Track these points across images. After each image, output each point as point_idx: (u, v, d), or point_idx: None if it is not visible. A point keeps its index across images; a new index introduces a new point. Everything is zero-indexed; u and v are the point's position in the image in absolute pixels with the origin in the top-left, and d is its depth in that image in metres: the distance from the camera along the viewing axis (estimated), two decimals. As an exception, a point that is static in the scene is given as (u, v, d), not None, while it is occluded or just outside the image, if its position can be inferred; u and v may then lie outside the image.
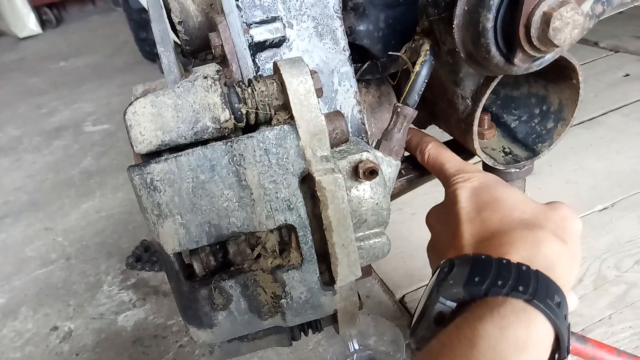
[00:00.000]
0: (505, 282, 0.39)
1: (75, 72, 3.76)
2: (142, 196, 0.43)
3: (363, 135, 0.59)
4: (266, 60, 0.55)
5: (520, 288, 0.39)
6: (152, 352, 1.31)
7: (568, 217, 0.49)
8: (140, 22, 3.10)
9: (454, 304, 0.41)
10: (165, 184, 0.42)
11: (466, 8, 0.46)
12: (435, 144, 0.56)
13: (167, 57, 0.49)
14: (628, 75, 2.04)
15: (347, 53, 0.57)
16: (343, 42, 0.57)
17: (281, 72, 0.43)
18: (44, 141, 2.68)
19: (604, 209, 1.40)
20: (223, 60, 0.52)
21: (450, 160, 0.53)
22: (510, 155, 0.63)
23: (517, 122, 0.66)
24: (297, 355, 1.17)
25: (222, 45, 0.50)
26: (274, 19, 0.53)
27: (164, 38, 0.50)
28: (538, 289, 0.39)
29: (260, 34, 0.52)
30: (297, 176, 0.44)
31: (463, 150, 0.65)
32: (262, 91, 0.44)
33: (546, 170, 1.56)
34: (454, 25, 0.47)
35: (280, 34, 0.53)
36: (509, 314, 0.38)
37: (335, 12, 0.56)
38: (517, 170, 0.62)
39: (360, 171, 0.45)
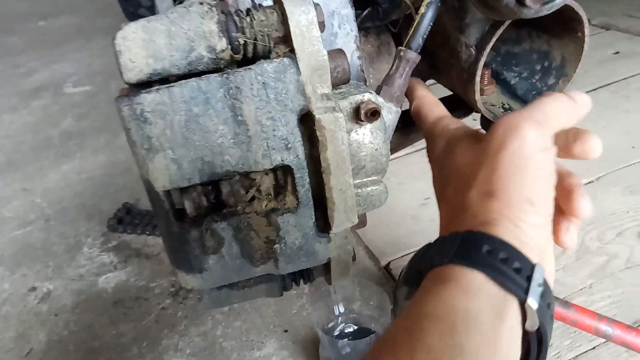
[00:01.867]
0: (445, 249, 0.37)
1: (55, 32, 3.62)
2: (132, 129, 0.40)
3: (362, 82, 0.57)
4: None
5: (459, 253, 0.36)
6: (133, 313, 1.29)
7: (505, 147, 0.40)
8: (123, -19, 2.98)
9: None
10: (156, 116, 0.40)
11: (479, -57, 0.43)
12: (423, 91, 0.53)
13: (161, -14, 0.45)
14: (618, 53, 2.05)
15: (349, -5, 0.55)
16: (345, -18, 0.54)
17: (282, 1, 0.41)
18: (22, 101, 2.59)
19: (589, 182, 1.42)
20: None
21: (432, 109, 0.51)
22: (510, 111, 0.62)
23: (518, 78, 0.64)
24: (282, 319, 1.17)
25: (218, -22, 0.47)
26: (272, -47, 0.50)
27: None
28: (469, 249, 0.35)
29: (259, -33, 0.49)
30: (296, 113, 0.41)
31: (462, 105, 0.64)
32: (262, 21, 0.41)
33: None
34: (464, -37, 0.44)
35: (279, -31, 0.50)
36: (449, 282, 0.35)
37: (338, -50, 0.53)
38: (517, 126, 0.61)
39: (362, 112, 0.43)
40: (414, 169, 1.56)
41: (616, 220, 1.27)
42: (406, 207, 1.43)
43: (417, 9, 0.55)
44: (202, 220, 0.43)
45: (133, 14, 3.28)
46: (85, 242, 1.57)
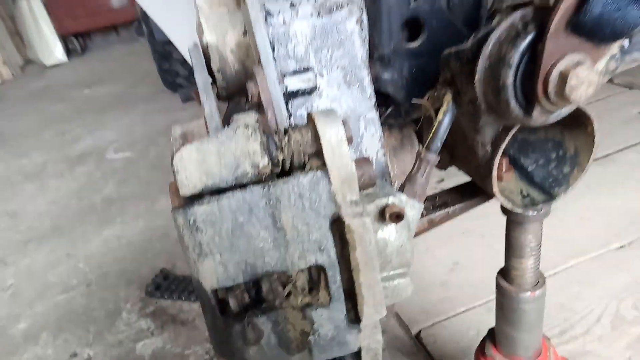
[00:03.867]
0: None
1: (98, 100, 3.89)
2: (185, 236, 0.46)
3: (387, 177, 0.62)
4: (298, 106, 0.59)
5: None
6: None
7: None
8: (163, 54, 3.22)
9: None
10: (207, 225, 0.45)
11: (488, 64, 0.49)
12: None
13: (209, 105, 0.53)
14: (643, 112, 2.06)
15: (374, 100, 0.61)
16: (370, 90, 0.60)
17: (315, 122, 0.47)
18: (67, 168, 2.76)
19: (621, 247, 1.40)
20: (259, 107, 0.56)
21: None
22: (528, 198, 0.65)
23: (535, 165, 0.68)
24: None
25: (259, 94, 0.54)
26: (306, 70, 0.57)
27: (206, 87, 0.54)
28: None
29: (294, 83, 0.56)
30: (328, 219, 0.47)
31: (482, 192, 0.68)
32: (298, 140, 0.47)
33: (560, 206, 1.57)
34: (475, 80, 0.50)
35: (312, 83, 0.57)
36: None
37: (363, 63, 0.60)
38: (535, 213, 0.65)
39: (387, 215, 0.48)
40: (441, 233, 1.58)
41: (651, 287, 1.25)
42: (435, 273, 1.44)
43: (435, 111, 0.61)
44: (244, 315, 0.48)
45: (171, 84, 3.50)
46: (124, 307, 1.63)
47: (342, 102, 0.60)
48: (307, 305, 0.48)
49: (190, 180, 0.46)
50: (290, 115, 0.58)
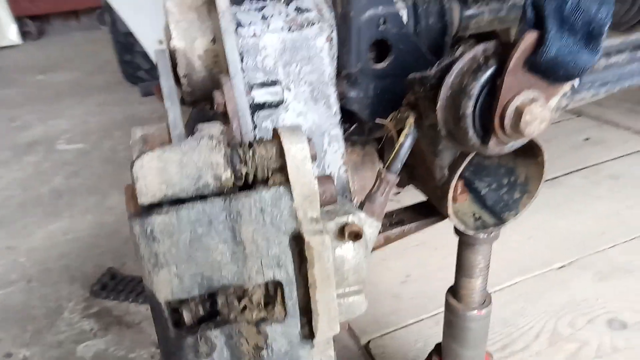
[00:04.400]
0: None
1: (53, 87, 3.72)
2: (141, 245, 0.45)
3: (347, 193, 0.63)
4: (264, 118, 0.59)
5: None
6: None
7: None
8: (126, 45, 3.13)
9: None
10: (164, 235, 0.45)
11: (450, 93, 0.51)
12: None
13: (174, 112, 0.52)
14: (588, 139, 2.18)
15: (339, 117, 0.62)
16: (335, 106, 0.61)
17: (281, 138, 0.47)
18: (14, 156, 2.63)
19: (562, 267, 1.48)
20: (224, 116, 0.56)
21: None
22: (480, 221, 0.68)
23: (487, 189, 0.71)
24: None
25: (224, 104, 0.54)
26: (274, 83, 0.57)
27: (171, 93, 0.53)
28: None
29: (261, 95, 0.56)
30: (288, 235, 0.47)
31: (437, 212, 0.70)
32: (262, 155, 0.47)
33: (508, 225, 1.64)
34: (437, 107, 0.52)
35: (279, 97, 0.57)
36: None
37: (330, 80, 0.61)
38: (486, 236, 0.68)
39: (346, 233, 0.49)
40: (395, 245, 1.61)
41: (587, 306, 1.32)
42: (388, 284, 1.47)
43: (397, 132, 0.62)
44: (197, 328, 0.47)
45: (132, 76, 3.41)
46: (66, 306, 1.57)
47: (307, 117, 0.61)
48: (262, 320, 0.49)
49: (150, 189, 0.45)
50: (255, 127, 0.58)
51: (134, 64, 3.31)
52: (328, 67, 0.61)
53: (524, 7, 0.46)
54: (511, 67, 0.46)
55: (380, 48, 0.63)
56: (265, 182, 0.48)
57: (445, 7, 0.68)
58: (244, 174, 0.47)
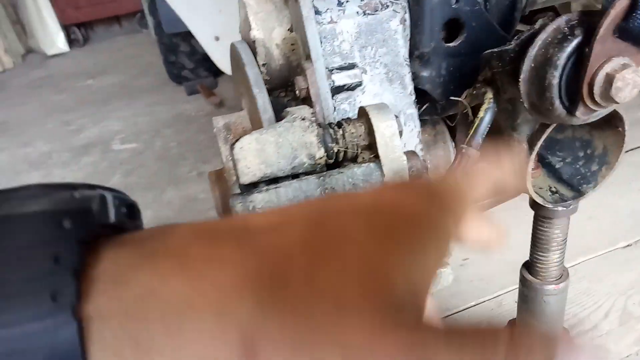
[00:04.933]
0: None
1: (102, 90, 3.88)
2: (243, 222, 0.48)
3: (424, 170, 0.64)
4: (342, 101, 0.61)
5: None
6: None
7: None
8: (170, 46, 3.22)
9: None
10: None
11: (533, 65, 0.51)
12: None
13: (262, 97, 0.55)
14: (648, 115, 2.09)
15: (413, 97, 0.63)
16: (410, 87, 0.63)
17: (370, 116, 0.49)
18: (72, 157, 2.76)
19: (627, 245, 1.44)
20: (305, 101, 0.58)
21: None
22: (557, 194, 0.68)
23: (562, 163, 0.71)
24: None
25: (307, 88, 0.56)
26: (352, 66, 0.59)
27: (258, 80, 0.56)
28: None
29: (341, 79, 0.58)
30: (381, 209, 0.49)
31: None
32: (352, 133, 0.49)
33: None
34: (520, 79, 0.52)
35: (357, 79, 0.59)
36: None
37: (405, 60, 0.62)
38: (564, 208, 0.67)
39: (435, 207, 0.51)
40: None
41: (657, 285, 1.28)
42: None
43: (473, 109, 0.63)
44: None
45: (177, 76, 3.50)
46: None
47: (383, 98, 0.62)
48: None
49: (251, 169, 0.48)
50: (334, 109, 0.60)
51: (178, 64, 3.40)
52: (402, 48, 0.62)
53: (613, -28, 0.46)
54: (601, 34, 0.46)
55: (452, 26, 0.64)
56: (354, 159, 0.50)
57: (514, -19, 0.68)
58: (335, 151, 0.49)
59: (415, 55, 0.64)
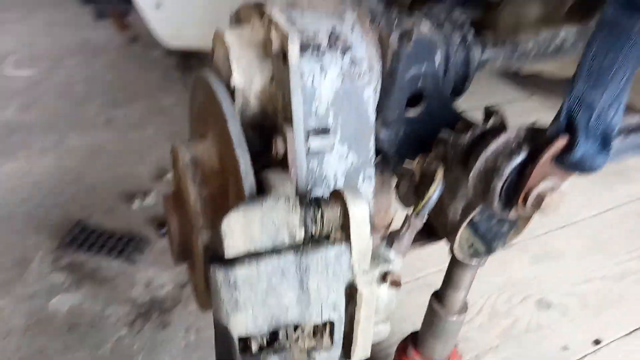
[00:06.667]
0: None
1: (-14, -6, 3.33)
2: (222, 291, 0.52)
3: (372, 221, 0.72)
4: (310, 159, 0.65)
5: None
6: (88, 340, 1.34)
7: None
8: (78, -38, 2.85)
9: None
10: (245, 285, 0.52)
11: (482, 168, 0.60)
12: None
13: (245, 161, 0.57)
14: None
15: (373, 158, 0.69)
16: (372, 149, 0.68)
17: (346, 202, 0.54)
18: (-50, 78, 2.40)
19: (502, 249, 1.69)
20: (280, 162, 0.61)
21: None
22: (473, 248, 0.80)
23: (480, 217, 0.83)
24: None
25: (285, 152, 0.60)
26: (326, 130, 0.63)
27: (241, 141, 0.58)
28: None
29: (316, 145, 0.62)
30: (345, 284, 0.56)
31: (433, 233, 0.81)
32: (329, 216, 0.55)
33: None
34: (470, 176, 0.61)
35: (331, 145, 0.63)
36: None
37: (371, 126, 0.67)
38: (477, 262, 0.80)
39: (388, 281, 0.59)
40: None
41: (523, 286, 1.54)
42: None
43: (420, 175, 0.71)
44: (259, 354, 0.56)
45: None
46: (33, 257, 1.56)
47: (348, 159, 0.67)
48: (313, 348, 0.58)
49: (236, 244, 0.51)
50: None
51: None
52: (371, 115, 0.67)
53: (559, 112, 0.55)
54: (542, 162, 0.55)
55: (413, 97, 0.70)
56: (327, 236, 0.56)
57: (470, 56, 0.75)
58: (313, 232, 0.54)
59: (379, 118, 0.70)
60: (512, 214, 0.61)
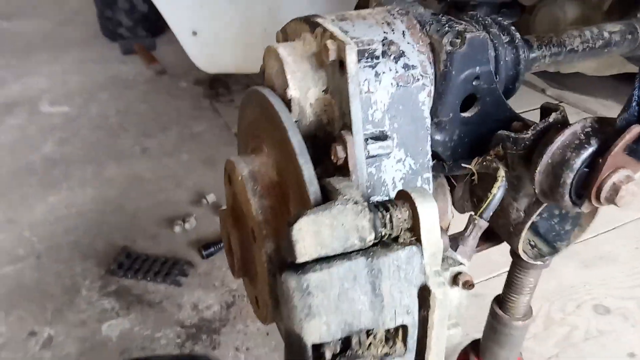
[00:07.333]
0: None
1: (21, 37, 3.49)
2: (295, 297, 0.51)
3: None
4: (369, 165, 0.64)
5: None
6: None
7: None
8: (107, 1, 2.99)
9: None
10: (318, 290, 0.51)
11: (550, 161, 0.59)
12: None
13: (308, 169, 0.57)
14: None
15: (430, 162, 0.68)
16: (429, 153, 0.68)
17: (415, 203, 0.54)
18: (-6, 117, 2.51)
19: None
20: (339, 168, 0.61)
21: None
22: (536, 249, 0.78)
23: (539, 217, 0.81)
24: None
25: (345, 158, 0.60)
26: (384, 136, 0.63)
27: (302, 150, 0.58)
28: None
29: (375, 149, 0.62)
30: (417, 287, 0.54)
31: (495, 238, 0.79)
32: (398, 217, 0.54)
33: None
34: (536, 171, 0.60)
35: (389, 150, 0.63)
36: None
37: (427, 130, 0.67)
38: (541, 263, 0.78)
39: (460, 282, 0.57)
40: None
41: (574, 292, 1.49)
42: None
43: (478, 174, 0.70)
44: (334, 362, 0.55)
45: (112, 32, 3.26)
46: (82, 284, 1.60)
47: (405, 163, 0.67)
48: (386, 355, 0.57)
49: (307, 250, 0.51)
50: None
51: (115, 21, 3.17)
52: (426, 118, 0.66)
53: (630, 100, 0.53)
54: (614, 152, 0.54)
55: (467, 98, 0.69)
56: (395, 239, 0.55)
57: (520, 57, 0.75)
58: (383, 234, 0.54)
59: (434, 121, 0.69)
60: (584, 208, 0.59)
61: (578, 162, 0.57)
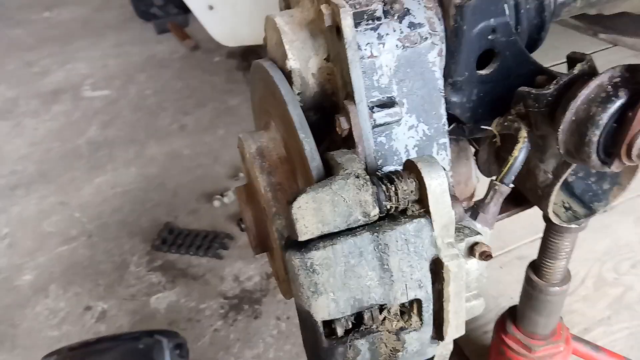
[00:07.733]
0: None
1: (62, 25, 3.61)
2: (300, 275, 0.50)
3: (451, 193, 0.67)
4: (378, 134, 0.61)
5: None
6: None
7: None
8: (138, -19, 3.01)
9: None
10: (322, 268, 0.50)
11: (574, 118, 0.53)
12: None
13: (309, 143, 0.55)
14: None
15: (446, 127, 0.64)
16: (444, 117, 0.63)
17: (421, 173, 0.51)
18: (42, 105, 2.63)
19: (603, 211, 1.54)
20: (345, 140, 0.59)
21: None
22: (570, 211, 0.72)
23: (574, 177, 0.75)
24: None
25: (349, 129, 0.57)
26: (392, 103, 0.59)
27: (302, 123, 0.56)
28: None
29: (382, 117, 0.58)
30: (429, 261, 0.52)
31: (525, 201, 0.75)
32: (404, 190, 0.51)
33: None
34: (559, 129, 0.54)
35: (397, 117, 0.59)
36: None
37: (440, 92, 0.62)
38: (576, 226, 0.72)
39: (477, 253, 0.54)
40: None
41: (630, 251, 1.40)
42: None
43: (501, 136, 0.65)
44: (346, 338, 0.54)
45: (144, 12, 3.29)
46: (131, 260, 1.67)
47: (418, 129, 0.63)
48: (402, 329, 0.55)
49: (309, 228, 0.49)
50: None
51: (147, 1, 3.19)
52: (438, 80, 0.62)
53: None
54: (645, 103, 0.48)
55: (484, 54, 0.64)
56: (403, 211, 0.53)
57: (544, 2, 0.68)
58: (388, 208, 0.51)
59: (448, 82, 0.64)
60: (614, 167, 0.54)
61: (605, 117, 0.51)
